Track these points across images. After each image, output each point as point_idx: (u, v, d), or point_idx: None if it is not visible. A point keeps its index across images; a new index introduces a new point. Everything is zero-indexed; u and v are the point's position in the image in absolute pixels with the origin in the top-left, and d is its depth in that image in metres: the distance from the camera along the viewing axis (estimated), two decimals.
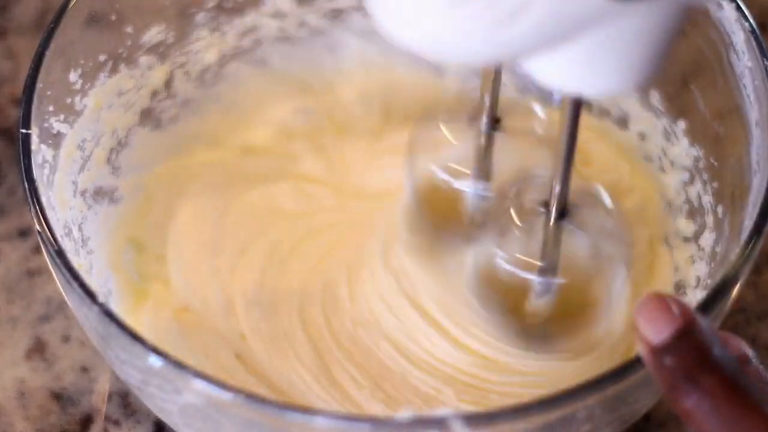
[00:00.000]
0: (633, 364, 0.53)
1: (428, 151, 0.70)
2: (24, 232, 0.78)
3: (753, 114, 0.64)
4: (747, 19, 0.65)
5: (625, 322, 0.67)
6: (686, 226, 0.72)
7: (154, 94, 0.75)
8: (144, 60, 0.74)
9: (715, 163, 0.70)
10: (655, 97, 0.74)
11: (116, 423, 0.70)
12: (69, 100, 0.68)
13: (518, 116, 0.68)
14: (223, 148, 0.78)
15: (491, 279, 0.66)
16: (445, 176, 0.69)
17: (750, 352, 0.52)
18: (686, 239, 0.72)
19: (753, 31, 0.65)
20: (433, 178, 0.69)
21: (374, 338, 0.68)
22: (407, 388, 0.66)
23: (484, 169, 0.68)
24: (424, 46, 0.46)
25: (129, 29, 0.72)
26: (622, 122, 0.77)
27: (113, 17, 0.71)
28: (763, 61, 0.63)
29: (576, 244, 0.64)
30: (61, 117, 0.67)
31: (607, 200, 0.66)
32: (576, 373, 0.65)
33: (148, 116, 0.75)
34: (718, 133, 0.69)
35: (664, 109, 0.74)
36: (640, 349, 0.51)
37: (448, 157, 0.69)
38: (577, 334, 0.67)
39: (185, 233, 0.73)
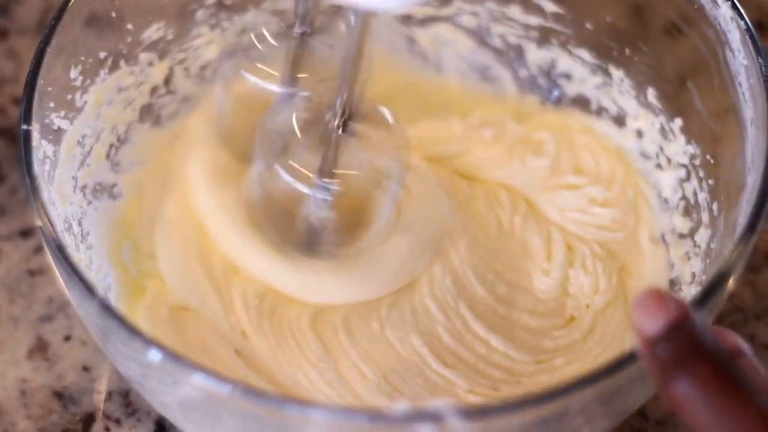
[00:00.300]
0: (627, 359, 0.53)
1: None
2: (25, 233, 0.78)
3: (748, 112, 0.64)
4: (742, 18, 0.65)
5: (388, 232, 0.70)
6: (682, 223, 0.72)
7: (154, 90, 0.76)
8: (144, 56, 0.74)
9: (711, 161, 0.70)
10: (653, 95, 0.75)
11: (117, 422, 0.71)
12: (69, 97, 0.68)
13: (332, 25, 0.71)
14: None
15: (272, 195, 0.68)
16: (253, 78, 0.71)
17: (745, 346, 0.52)
18: (682, 236, 0.72)
19: (748, 30, 0.65)
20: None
21: (397, 333, 0.69)
22: (417, 380, 0.67)
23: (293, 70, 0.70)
24: None
25: (129, 26, 0.72)
26: (620, 119, 0.77)
27: (113, 14, 0.71)
28: (757, 59, 0.64)
29: (354, 158, 0.66)
30: (62, 113, 0.67)
31: (390, 118, 0.67)
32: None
33: (147, 112, 0.76)
34: (714, 130, 0.70)
35: (662, 107, 0.74)
36: (636, 341, 0.52)
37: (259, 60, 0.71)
38: (350, 242, 0.69)
39: (171, 232, 0.73)
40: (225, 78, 0.72)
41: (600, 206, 0.75)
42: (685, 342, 0.50)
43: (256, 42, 0.71)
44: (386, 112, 0.67)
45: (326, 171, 0.65)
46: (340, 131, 0.64)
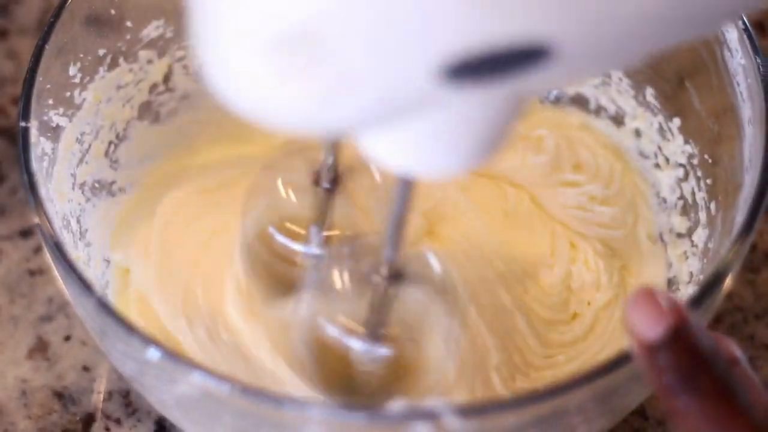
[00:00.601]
0: (623, 358, 0.53)
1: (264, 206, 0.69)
2: (25, 233, 0.79)
3: (746, 111, 0.64)
4: (740, 17, 0.65)
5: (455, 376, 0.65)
6: (680, 223, 0.72)
7: (153, 87, 0.76)
8: (143, 54, 0.74)
9: (710, 160, 0.70)
10: (651, 94, 0.75)
11: (117, 422, 0.71)
12: (68, 94, 0.69)
13: (358, 176, 0.66)
14: (221, 142, 0.78)
15: (318, 341, 0.64)
16: (280, 237, 0.68)
17: (739, 353, 0.52)
18: (680, 235, 0.72)
19: (746, 29, 0.65)
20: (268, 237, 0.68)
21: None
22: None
23: (319, 227, 0.66)
24: (256, 115, 0.46)
25: (129, 24, 0.72)
26: (618, 119, 0.77)
27: (113, 12, 0.71)
28: (755, 59, 0.64)
29: (406, 308, 0.62)
30: (61, 110, 0.67)
31: (437, 266, 0.63)
32: None
33: (146, 110, 0.76)
34: (712, 130, 0.70)
35: (660, 106, 0.74)
36: (631, 343, 0.51)
37: (285, 214, 0.68)
38: (405, 391, 0.64)
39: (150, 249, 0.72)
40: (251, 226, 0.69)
41: (600, 204, 0.75)
42: (686, 351, 0.49)
43: (282, 191, 0.68)
44: (434, 262, 0.63)
45: (373, 330, 0.61)
46: (385, 289, 0.59)
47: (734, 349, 0.52)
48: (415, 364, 0.64)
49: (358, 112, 0.44)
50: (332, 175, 0.64)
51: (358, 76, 0.42)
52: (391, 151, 0.47)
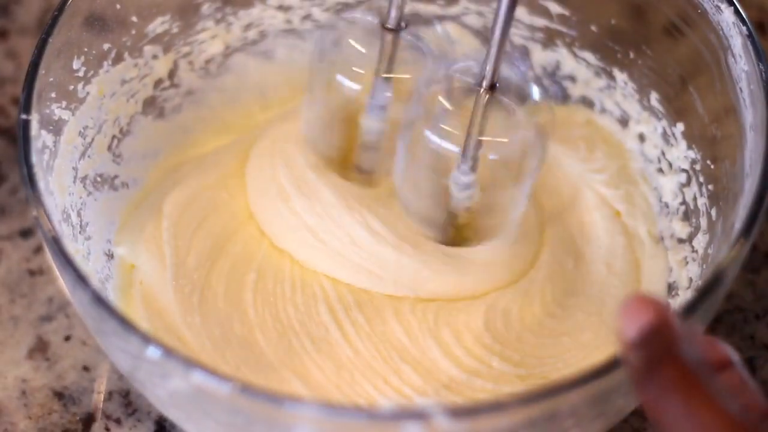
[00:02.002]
0: (614, 362, 0.53)
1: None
2: (25, 232, 0.79)
3: (748, 117, 0.64)
4: (745, 23, 0.65)
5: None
6: (681, 228, 0.72)
7: (158, 83, 0.76)
8: (148, 49, 0.74)
9: (712, 166, 0.70)
10: (656, 99, 0.75)
11: (117, 421, 0.71)
12: (71, 87, 0.69)
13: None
14: (225, 139, 0.79)
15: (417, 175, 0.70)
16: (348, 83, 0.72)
17: (735, 358, 0.52)
18: (681, 241, 0.72)
19: (750, 36, 0.65)
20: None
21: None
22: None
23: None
24: None
25: (134, 19, 0.73)
26: (623, 123, 0.77)
27: (118, 6, 0.71)
28: (759, 65, 0.64)
29: (500, 126, 0.68)
30: (63, 104, 0.68)
31: (536, 95, 0.69)
32: None
33: (150, 105, 0.76)
34: (715, 135, 0.70)
35: (664, 111, 0.74)
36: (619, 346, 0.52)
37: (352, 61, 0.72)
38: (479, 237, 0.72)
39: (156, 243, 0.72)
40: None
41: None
42: (657, 346, 0.50)
43: (353, 42, 0.72)
44: (533, 88, 0.69)
45: (472, 136, 0.67)
46: (487, 96, 0.66)
47: (730, 353, 0.52)
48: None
49: None
50: (398, 16, 0.70)
51: None
52: None
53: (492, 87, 0.66)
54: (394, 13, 0.70)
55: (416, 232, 0.71)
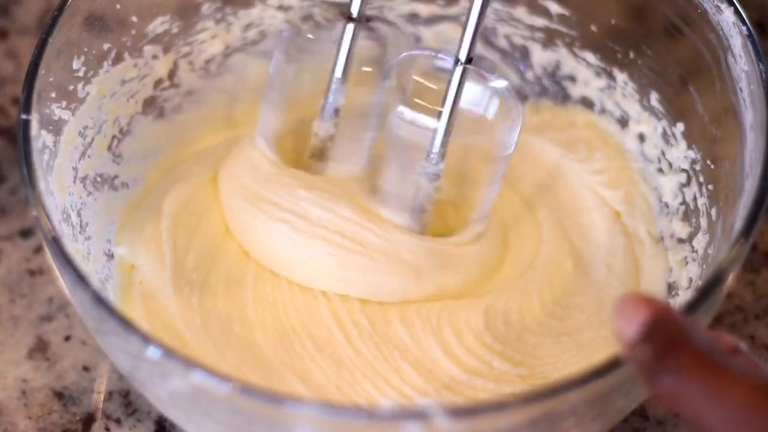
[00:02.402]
0: (614, 362, 0.53)
1: None
2: (25, 232, 0.79)
3: (748, 117, 0.64)
4: (745, 23, 0.65)
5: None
6: (681, 228, 0.72)
7: (158, 83, 0.76)
8: (148, 49, 0.74)
9: (712, 166, 0.70)
10: (656, 99, 0.75)
11: (117, 422, 0.71)
12: (71, 87, 0.69)
13: None
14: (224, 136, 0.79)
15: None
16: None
17: (744, 346, 0.51)
18: (680, 241, 0.72)
19: (750, 36, 0.65)
20: None
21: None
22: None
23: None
24: None
25: (134, 18, 0.73)
26: (623, 123, 0.77)
27: (118, 6, 0.71)
28: (759, 65, 0.64)
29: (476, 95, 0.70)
30: (63, 104, 0.67)
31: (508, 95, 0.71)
32: None
33: (150, 105, 0.76)
34: (715, 135, 0.70)
35: (664, 111, 0.74)
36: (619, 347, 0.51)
37: None
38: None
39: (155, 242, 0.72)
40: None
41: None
42: (662, 337, 0.49)
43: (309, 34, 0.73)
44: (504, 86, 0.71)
45: (446, 112, 0.69)
46: (462, 69, 0.68)
47: (736, 341, 0.51)
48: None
49: None
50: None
51: None
52: None
53: (469, 61, 0.68)
54: (358, 3, 0.71)
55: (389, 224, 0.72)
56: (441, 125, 0.69)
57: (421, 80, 0.70)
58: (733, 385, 0.47)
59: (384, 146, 0.71)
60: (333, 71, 0.72)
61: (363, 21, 0.71)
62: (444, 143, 0.69)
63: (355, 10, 0.71)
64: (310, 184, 0.71)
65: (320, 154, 0.74)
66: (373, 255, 0.70)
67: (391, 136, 0.71)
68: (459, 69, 0.68)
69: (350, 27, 0.71)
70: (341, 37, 0.71)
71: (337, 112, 0.73)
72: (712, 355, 0.48)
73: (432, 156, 0.70)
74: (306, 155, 0.74)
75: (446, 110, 0.69)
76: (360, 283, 0.70)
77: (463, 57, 0.68)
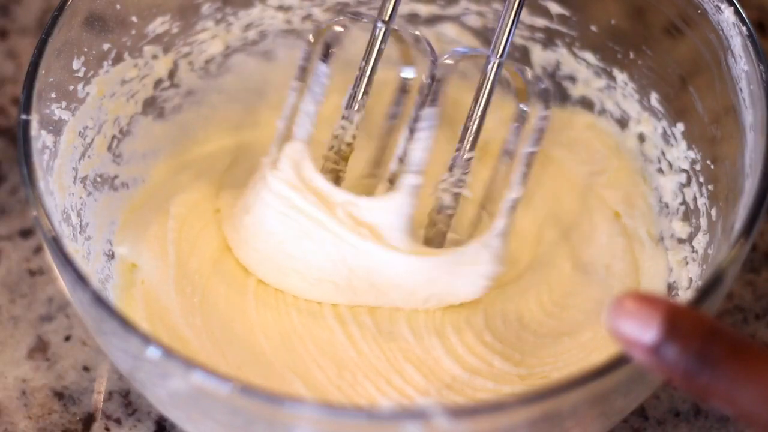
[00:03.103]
0: (614, 362, 0.53)
1: None
2: (25, 233, 0.79)
3: (748, 117, 0.64)
4: (745, 23, 0.65)
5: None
6: (681, 228, 0.72)
7: (158, 83, 0.76)
8: (148, 50, 0.74)
9: (712, 166, 0.70)
10: (656, 99, 0.75)
11: (117, 421, 0.71)
12: (71, 88, 0.69)
13: None
14: (225, 139, 0.79)
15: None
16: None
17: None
18: (681, 241, 0.72)
19: (750, 36, 0.65)
20: None
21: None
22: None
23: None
24: None
25: (134, 19, 0.73)
26: (623, 123, 0.77)
27: (118, 7, 0.71)
28: (759, 65, 0.64)
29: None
30: (63, 104, 0.67)
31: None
32: None
33: (150, 105, 0.76)
34: (715, 135, 0.70)
35: (664, 111, 0.74)
36: (631, 353, 0.50)
37: None
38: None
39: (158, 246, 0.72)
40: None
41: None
42: (687, 336, 0.48)
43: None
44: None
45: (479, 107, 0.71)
46: (497, 63, 0.71)
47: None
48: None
49: None
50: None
51: None
52: None
53: (502, 56, 0.71)
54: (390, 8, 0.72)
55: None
56: (475, 117, 0.71)
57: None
58: (762, 362, 0.47)
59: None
60: (360, 71, 0.73)
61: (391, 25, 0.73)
62: (477, 134, 0.71)
63: (386, 14, 0.72)
64: (322, 223, 0.71)
65: (338, 159, 0.74)
66: (381, 288, 0.70)
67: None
68: (494, 63, 0.70)
69: (381, 27, 0.72)
70: (371, 39, 0.72)
71: (360, 109, 0.73)
72: (743, 339, 0.48)
73: (464, 145, 0.71)
74: (324, 162, 0.74)
75: (480, 103, 0.70)
76: (369, 302, 0.70)
77: (498, 52, 0.70)
